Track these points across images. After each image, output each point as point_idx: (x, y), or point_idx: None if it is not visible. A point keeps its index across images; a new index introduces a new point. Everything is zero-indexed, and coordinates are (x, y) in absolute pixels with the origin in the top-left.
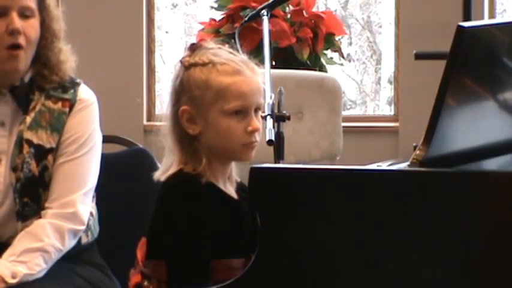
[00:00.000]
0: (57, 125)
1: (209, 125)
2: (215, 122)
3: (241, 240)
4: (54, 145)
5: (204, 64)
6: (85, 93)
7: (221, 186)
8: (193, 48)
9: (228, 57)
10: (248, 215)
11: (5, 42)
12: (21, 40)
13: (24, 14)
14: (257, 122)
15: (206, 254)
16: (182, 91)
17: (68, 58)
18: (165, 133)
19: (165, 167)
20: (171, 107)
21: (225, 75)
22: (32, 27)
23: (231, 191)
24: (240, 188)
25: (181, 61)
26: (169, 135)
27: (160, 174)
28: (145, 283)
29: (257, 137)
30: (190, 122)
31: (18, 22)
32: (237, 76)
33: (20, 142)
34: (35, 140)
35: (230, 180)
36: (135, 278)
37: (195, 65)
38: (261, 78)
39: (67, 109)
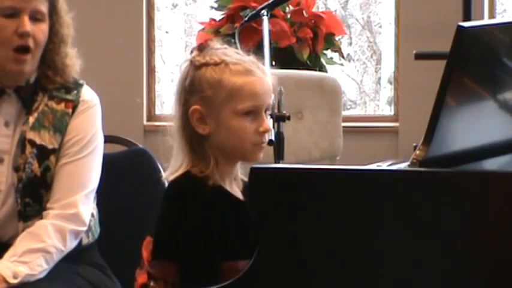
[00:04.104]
0: (60, 126)
1: (221, 125)
2: (227, 121)
3: (248, 241)
4: (56, 146)
5: (216, 64)
6: (88, 94)
7: (227, 187)
8: (201, 48)
9: (239, 57)
10: (254, 216)
11: (13, 43)
12: (30, 43)
13: (35, 18)
14: (268, 123)
15: (217, 255)
16: (193, 91)
17: (73, 62)
18: (174, 133)
19: (174, 168)
20: (180, 107)
21: (238, 75)
22: (41, 31)
23: (237, 191)
24: (246, 188)
25: (191, 61)
26: (178, 136)
27: (169, 175)
28: (152, 283)
29: (267, 137)
30: (201, 122)
31: (28, 25)
32: (250, 76)
33: (23, 142)
34: (38, 141)
35: (236, 181)
36: (141, 278)
37: (206, 64)
38: (270, 79)
39: (70, 110)
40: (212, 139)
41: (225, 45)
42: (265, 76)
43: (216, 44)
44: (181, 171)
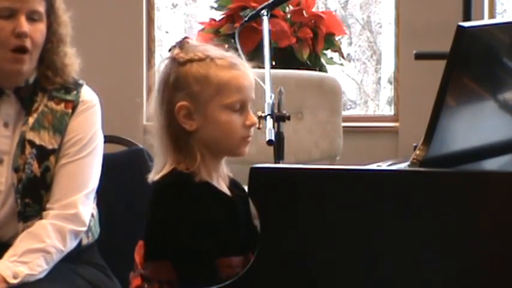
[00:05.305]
0: (59, 126)
1: (208, 120)
2: (215, 116)
3: (239, 238)
4: (56, 146)
5: (201, 59)
6: (88, 94)
7: (215, 183)
8: (181, 45)
9: (221, 52)
10: (243, 212)
11: (11, 44)
12: (28, 43)
13: (32, 18)
14: (253, 117)
15: (212, 251)
16: (178, 87)
17: (72, 62)
18: (156, 133)
19: (159, 167)
20: (163, 106)
21: (225, 70)
22: (38, 32)
23: (224, 187)
24: (232, 184)
25: (174, 58)
26: (163, 134)
27: (154, 175)
28: (146, 286)
29: (252, 131)
30: (188, 118)
31: (26, 26)
32: (235, 70)
33: (22, 143)
34: (37, 141)
35: (222, 177)
36: (135, 281)
37: (191, 60)
38: (252, 74)
39: (70, 110)
40: (199, 135)
41: (203, 43)
42: (248, 70)
43: (194, 42)
44: (166, 170)
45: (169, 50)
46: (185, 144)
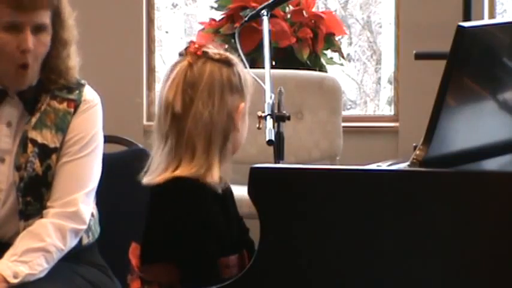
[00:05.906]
0: (61, 125)
1: (244, 121)
2: (246, 118)
3: (236, 236)
4: (58, 145)
5: (238, 62)
6: (90, 94)
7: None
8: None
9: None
10: (232, 207)
11: (15, 60)
12: (31, 59)
13: (38, 29)
14: None
15: (215, 252)
16: (235, 89)
17: (75, 63)
18: (202, 134)
19: (161, 170)
20: (225, 107)
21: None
22: (43, 44)
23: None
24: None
25: (227, 59)
26: (216, 136)
27: (156, 177)
28: None
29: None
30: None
31: (30, 41)
32: None
33: (25, 141)
34: (40, 140)
35: None
36: (134, 284)
37: (237, 63)
38: None
39: (72, 109)
40: (236, 136)
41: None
42: None
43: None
44: (174, 173)
45: (204, 53)
46: (221, 147)
